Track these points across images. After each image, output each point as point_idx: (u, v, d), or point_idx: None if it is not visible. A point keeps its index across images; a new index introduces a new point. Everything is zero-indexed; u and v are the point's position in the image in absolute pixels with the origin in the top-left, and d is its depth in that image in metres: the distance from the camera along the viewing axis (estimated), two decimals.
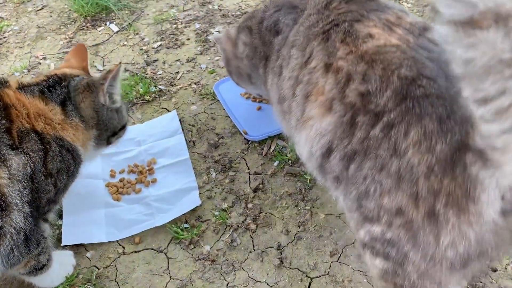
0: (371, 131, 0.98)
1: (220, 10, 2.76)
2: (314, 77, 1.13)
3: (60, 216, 1.60)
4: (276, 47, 1.42)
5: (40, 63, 2.44)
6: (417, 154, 0.89)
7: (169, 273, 1.46)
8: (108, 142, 1.51)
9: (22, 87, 1.30)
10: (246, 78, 1.76)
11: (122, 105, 1.52)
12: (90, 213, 1.62)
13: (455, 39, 0.63)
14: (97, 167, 1.79)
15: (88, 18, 2.77)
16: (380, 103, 0.97)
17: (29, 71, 2.38)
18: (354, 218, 1.08)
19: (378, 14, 1.13)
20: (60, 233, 1.55)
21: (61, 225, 1.58)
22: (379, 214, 0.98)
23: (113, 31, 2.65)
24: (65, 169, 1.31)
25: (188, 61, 2.36)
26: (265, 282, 1.41)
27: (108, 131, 1.47)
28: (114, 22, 2.72)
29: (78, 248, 1.54)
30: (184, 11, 2.79)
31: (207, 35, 2.53)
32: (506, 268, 1.40)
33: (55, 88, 1.35)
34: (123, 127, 1.54)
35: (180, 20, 2.69)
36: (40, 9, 2.95)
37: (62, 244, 1.51)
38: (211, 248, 1.51)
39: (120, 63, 1.45)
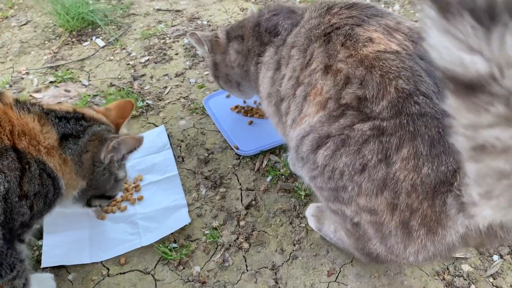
0: (357, 124, 1.01)
1: (209, 25, 2.73)
2: (313, 79, 1.16)
3: (41, 236, 1.50)
4: (276, 44, 1.42)
5: (22, 78, 2.36)
6: (404, 170, 0.94)
7: None
8: (88, 203, 1.40)
9: (18, 103, 1.21)
10: (235, 85, 1.74)
11: (123, 179, 1.45)
12: (72, 232, 1.52)
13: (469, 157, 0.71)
14: None
15: (74, 33, 2.71)
16: (375, 109, 0.99)
17: (11, 86, 2.30)
18: (324, 196, 1.15)
19: (377, 19, 1.15)
20: (40, 254, 1.45)
21: (41, 245, 1.48)
22: (351, 203, 1.06)
23: (99, 46, 2.59)
24: (43, 194, 1.20)
25: (177, 75, 2.30)
26: None
27: (97, 190, 1.37)
28: (101, 37, 2.66)
29: (59, 270, 1.43)
30: (172, 26, 2.75)
31: (196, 50, 2.48)
32: (511, 286, 1.34)
33: (68, 120, 1.27)
34: (108, 197, 1.45)
35: (168, 35, 2.65)
36: (24, 24, 2.88)
37: (42, 266, 1.41)
38: (201, 269, 1.43)
39: (142, 138, 1.40)
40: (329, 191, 1.12)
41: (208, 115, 2.01)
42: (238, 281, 1.39)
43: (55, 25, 2.81)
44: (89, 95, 2.18)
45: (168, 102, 2.12)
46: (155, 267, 1.44)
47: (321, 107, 1.11)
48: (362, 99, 1.02)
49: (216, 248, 1.48)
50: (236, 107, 2.01)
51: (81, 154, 1.27)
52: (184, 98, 2.15)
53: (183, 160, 1.81)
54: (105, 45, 2.59)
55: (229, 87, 1.78)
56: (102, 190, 1.39)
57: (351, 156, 1.01)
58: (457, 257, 1.41)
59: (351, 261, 1.40)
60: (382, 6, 2.74)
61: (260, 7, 1.61)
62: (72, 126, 1.27)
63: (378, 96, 0.99)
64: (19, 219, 1.15)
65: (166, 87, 2.23)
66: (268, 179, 1.70)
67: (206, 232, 1.53)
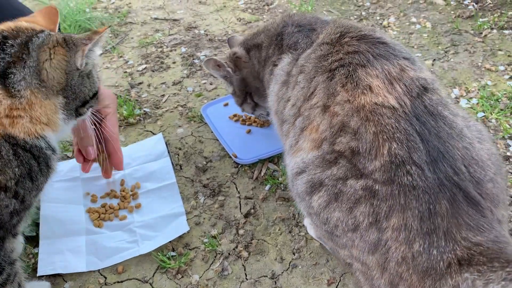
0: (350, 180, 1.00)
1: (207, 35, 2.73)
2: (312, 114, 1.15)
3: (37, 244, 1.48)
4: (292, 57, 1.40)
5: None
6: (395, 241, 0.93)
7: None
8: (78, 114, 1.21)
9: None
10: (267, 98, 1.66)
11: (92, 68, 1.24)
12: (69, 240, 1.50)
13: None
14: (77, 191, 1.69)
15: None
16: (368, 167, 0.99)
17: None
18: (319, 232, 1.18)
19: (383, 62, 1.12)
20: (35, 262, 1.43)
21: (37, 253, 1.46)
22: (344, 248, 1.07)
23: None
24: (25, 173, 1.06)
25: (174, 84, 2.30)
26: None
27: (78, 100, 1.18)
28: None
29: (55, 279, 1.41)
30: (169, 35, 2.75)
31: (193, 59, 2.48)
32: None
33: None
34: (94, 95, 1.25)
35: (165, 44, 2.65)
36: None
37: (38, 275, 1.39)
38: (200, 277, 1.41)
39: (109, 26, 1.21)
40: (323, 231, 1.12)
41: (206, 123, 2.01)
42: None
43: None
44: None
45: (166, 110, 2.12)
46: (153, 276, 1.42)
47: (315, 145, 1.12)
48: (355, 152, 1.01)
49: (215, 257, 1.47)
50: (235, 115, 2.01)
51: (39, 69, 1.07)
52: (181, 106, 2.14)
53: (181, 168, 1.81)
54: (102, 53, 2.58)
55: (263, 102, 1.70)
56: (83, 96, 1.20)
57: (344, 214, 1.01)
58: None
59: None
60: (378, 18, 2.77)
61: (284, 16, 1.58)
62: (3, 54, 1.04)
63: (372, 153, 0.99)
64: (5, 210, 1.05)
65: (163, 95, 2.22)
66: (267, 187, 1.69)
67: (205, 240, 1.51)
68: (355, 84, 1.09)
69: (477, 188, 0.94)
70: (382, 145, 0.98)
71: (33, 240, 1.52)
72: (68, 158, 1.86)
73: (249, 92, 1.72)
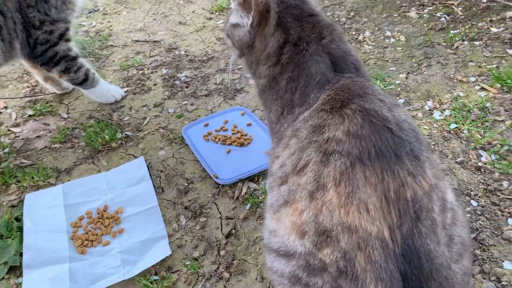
0: None
1: (187, 55, 2.78)
2: (298, 193, 1.02)
3: (20, 274, 1.50)
4: (293, 115, 1.22)
5: (1, 112, 2.37)
6: None
7: None
8: None
9: None
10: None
11: None
12: (52, 268, 1.52)
13: None
14: (60, 218, 1.71)
15: None
16: None
17: None
18: None
19: (384, 167, 0.96)
20: None
21: (21, 283, 1.47)
22: None
23: None
24: None
25: (155, 106, 2.34)
26: None
27: None
28: None
29: None
30: (150, 57, 2.79)
31: (174, 80, 2.52)
32: None
33: None
34: None
35: (146, 66, 2.69)
36: None
37: None
38: None
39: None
40: None
41: (187, 144, 2.05)
42: None
43: None
44: (68, 128, 2.20)
45: (147, 133, 2.15)
46: None
47: (297, 232, 1.01)
48: (342, 272, 0.95)
49: (197, 279, 1.50)
50: (209, 133, 2.08)
51: None
52: (163, 128, 2.18)
53: (163, 191, 1.84)
54: None
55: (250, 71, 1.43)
56: None
57: None
58: None
59: None
60: (353, 33, 2.84)
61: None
62: None
63: (357, 284, 0.93)
64: None
65: (145, 117, 2.26)
66: (248, 206, 1.73)
67: (187, 263, 1.54)
68: (349, 190, 0.95)
69: None
70: (369, 283, 0.93)
71: (17, 270, 1.54)
72: (51, 184, 1.88)
73: (243, 55, 1.40)
